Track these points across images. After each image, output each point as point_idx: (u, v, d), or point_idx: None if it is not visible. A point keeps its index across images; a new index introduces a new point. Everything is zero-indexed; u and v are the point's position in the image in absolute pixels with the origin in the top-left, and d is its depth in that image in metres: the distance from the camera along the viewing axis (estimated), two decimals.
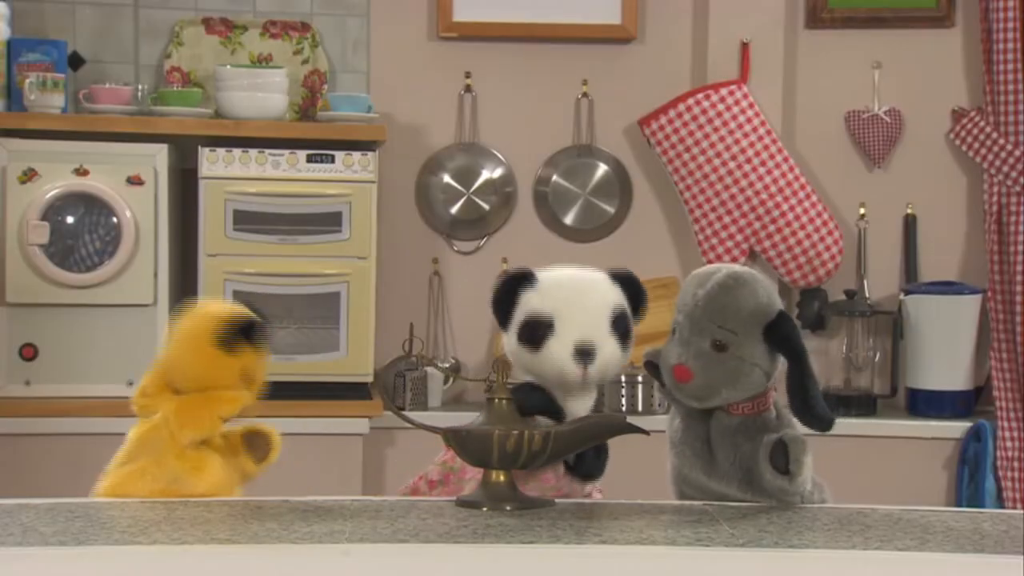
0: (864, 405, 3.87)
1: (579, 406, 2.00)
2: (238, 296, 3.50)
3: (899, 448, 3.75)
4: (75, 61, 3.76)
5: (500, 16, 3.93)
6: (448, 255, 4.00)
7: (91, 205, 3.50)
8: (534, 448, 1.81)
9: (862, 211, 4.01)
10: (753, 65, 3.91)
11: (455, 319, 3.98)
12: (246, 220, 3.55)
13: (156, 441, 1.93)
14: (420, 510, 1.78)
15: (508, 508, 1.78)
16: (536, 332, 1.98)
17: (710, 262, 3.87)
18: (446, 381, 3.77)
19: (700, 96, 3.87)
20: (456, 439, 1.84)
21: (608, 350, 1.96)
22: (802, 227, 3.87)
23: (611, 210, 4.04)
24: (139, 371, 3.48)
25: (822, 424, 1.87)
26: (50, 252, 3.47)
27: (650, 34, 4.01)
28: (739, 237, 3.88)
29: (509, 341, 2.02)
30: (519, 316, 2.02)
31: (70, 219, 3.50)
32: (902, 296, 3.89)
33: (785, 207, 3.87)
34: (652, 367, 1.96)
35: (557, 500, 1.87)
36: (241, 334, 1.93)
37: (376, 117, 3.76)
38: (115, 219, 3.50)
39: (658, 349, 1.95)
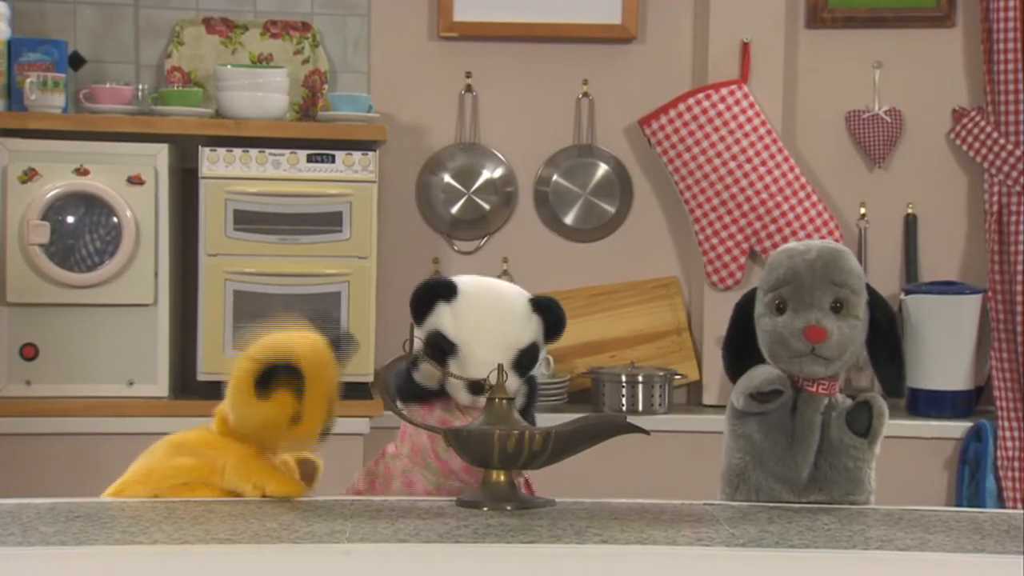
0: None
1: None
2: (239, 297, 3.51)
3: (900, 448, 3.74)
4: (76, 61, 3.76)
5: (501, 16, 3.93)
6: (449, 255, 4.00)
7: (92, 205, 3.50)
8: (535, 448, 1.81)
9: (862, 211, 4.01)
10: (754, 65, 3.91)
11: None
12: (247, 220, 3.55)
13: (209, 457, 1.89)
14: (420, 510, 1.78)
15: (508, 508, 1.78)
16: (440, 351, 2.03)
17: (710, 262, 3.88)
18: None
19: (700, 96, 3.87)
20: (456, 439, 1.84)
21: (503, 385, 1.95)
22: (802, 227, 3.87)
23: (611, 210, 4.04)
24: (139, 371, 3.52)
25: (899, 385, 1.98)
26: (51, 252, 3.47)
27: (651, 34, 4.01)
28: (739, 237, 3.88)
29: (418, 340, 2.04)
30: (429, 325, 2.05)
31: (71, 219, 3.50)
32: (902, 296, 3.89)
33: (785, 207, 3.87)
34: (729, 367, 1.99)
35: (558, 500, 1.87)
36: (278, 378, 1.85)
37: (376, 117, 3.76)
38: (115, 219, 3.50)
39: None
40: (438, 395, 2.09)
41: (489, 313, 2.06)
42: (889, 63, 4.00)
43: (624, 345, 3.95)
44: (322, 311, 3.49)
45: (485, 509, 1.78)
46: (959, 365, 3.82)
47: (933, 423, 3.78)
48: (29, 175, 3.48)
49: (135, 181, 3.52)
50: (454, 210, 3.99)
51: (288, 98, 3.72)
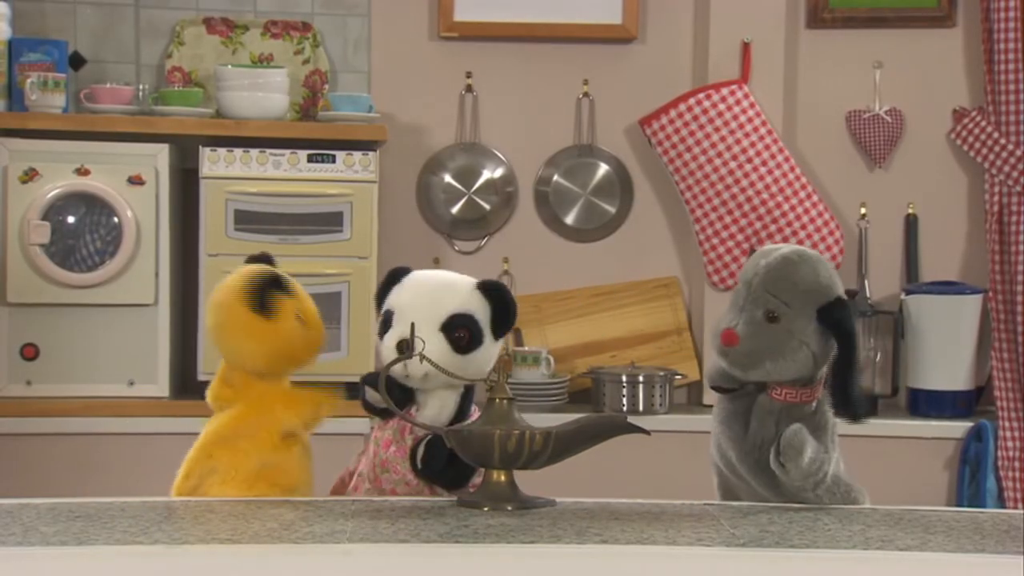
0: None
1: (431, 408, 2.03)
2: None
3: (900, 448, 3.75)
4: (76, 61, 3.76)
5: (501, 16, 3.93)
6: (449, 255, 4.00)
7: (92, 205, 3.50)
8: (535, 448, 1.81)
9: (863, 211, 4.01)
10: (754, 65, 3.91)
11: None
12: (247, 220, 3.55)
13: (249, 424, 1.94)
14: (421, 510, 1.78)
15: (509, 508, 1.78)
16: (383, 325, 2.05)
17: (711, 262, 3.88)
18: None
19: (701, 96, 3.87)
20: (457, 439, 1.84)
21: (429, 348, 1.96)
22: (803, 227, 3.87)
23: (612, 210, 4.04)
24: (140, 371, 3.52)
25: (857, 415, 1.89)
26: (51, 252, 3.47)
27: (651, 34, 4.01)
28: (740, 237, 3.88)
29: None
30: (383, 308, 2.08)
31: (71, 219, 3.50)
32: (903, 296, 3.89)
33: (786, 207, 3.87)
34: None
35: (558, 500, 1.87)
36: (271, 289, 1.96)
37: (377, 117, 3.76)
38: (116, 219, 3.50)
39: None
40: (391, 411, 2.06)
41: (428, 283, 2.08)
42: (890, 63, 4.00)
43: (624, 345, 3.95)
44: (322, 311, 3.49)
45: (486, 509, 1.78)
46: (959, 365, 3.82)
47: (934, 423, 3.78)
48: (30, 175, 3.48)
49: (135, 181, 3.52)
50: (454, 210, 3.99)
51: (288, 98, 3.72)
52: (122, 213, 3.50)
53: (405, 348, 1.97)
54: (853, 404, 1.88)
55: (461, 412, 2.06)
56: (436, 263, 3.97)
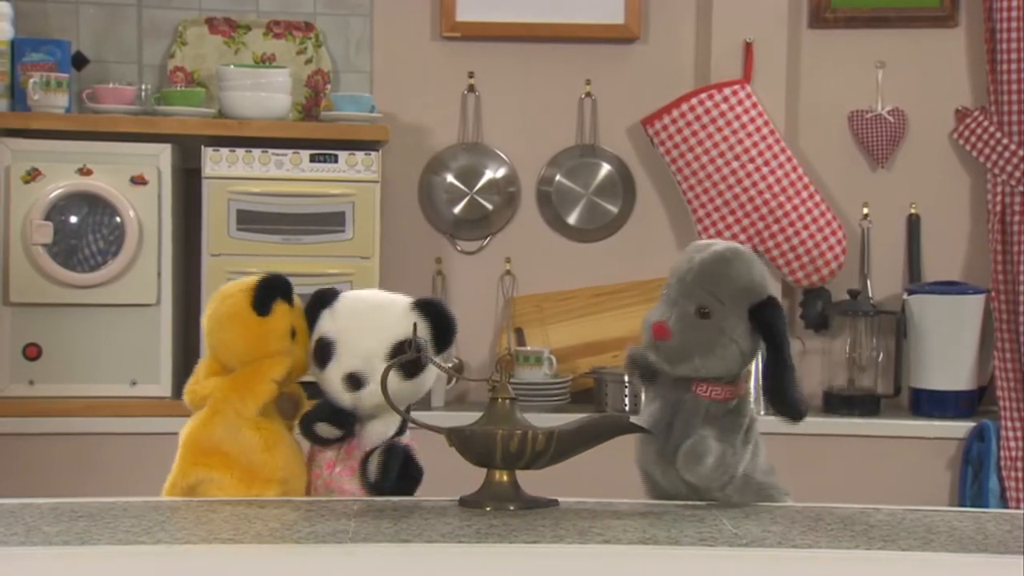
0: (867, 405, 3.86)
1: (373, 429, 2.00)
2: None
3: (902, 448, 3.75)
4: (79, 61, 3.76)
5: (503, 16, 3.93)
6: (451, 255, 4.00)
7: (95, 205, 3.51)
8: (537, 448, 1.81)
9: (865, 211, 4.01)
10: (756, 65, 3.91)
11: (458, 319, 3.96)
12: (249, 220, 3.55)
13: (225, 421, 1.95)
14: (424, 510, 1.78)
15: (511, 508, 1.78)
16: (321, 353, 2.01)
17: None
18: (449, 381, 3.77)
19: (703, 96, 3.87)
20: (459, 439, 1.84)
21: (379, 378, 1.92)
22: (805, 227, 3.87)
23: (614, 210, 4.04)
24: (143, 371, 3.53)
25: (793, 415, 1.87)
26: (54, 252, 3.48)
27: (653, 34, 4.01)
28: (742, 237, 3.88)
29: (308, 360, 2.03)
30: (315, 336, 2.03)
31: (74, 219, 3.50)
32: (905, 296, 3.89)
33: (788, 207, 3.87)
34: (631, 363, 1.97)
35: (560, 500, 1.87)
36: (275, 294, 1.99)
37: (379, 117, 3.76)
38: (118, 219, 3.50)
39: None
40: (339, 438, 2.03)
41: (364, 306, 2.04)
42: (892, 63, 4.00)
43: (627, 345, 3.93)
44: None
45: (488, 509, 1.78)
46: (962, 365, 3.82)
47: (936, 423, 3.78)
48: (32, 175, 3.48)
49: (138, 181, 3.52)
50: (457, 210, 3.99)
51: (291, 98, 3.72)
52: (124, 213, 3.50)
53: (355, 383, 1.96)
54: (791, 405, 1.87)
55: (403, 427, 2.04)
56: (438, 263, 3.97)
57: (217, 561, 1.56)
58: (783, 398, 1.86)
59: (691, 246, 1.93)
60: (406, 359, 1.94)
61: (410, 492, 1.98)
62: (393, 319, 2.00)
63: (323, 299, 2.05)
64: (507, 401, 1.85)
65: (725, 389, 1.88)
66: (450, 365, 3.88)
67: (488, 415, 1.85)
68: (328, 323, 2.02)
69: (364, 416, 2.02)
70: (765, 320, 1.86)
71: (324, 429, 1.98)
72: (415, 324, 1.96)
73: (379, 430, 2.01)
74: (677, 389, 1.90)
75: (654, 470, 1.90)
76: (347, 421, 2.00)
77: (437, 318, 2.02)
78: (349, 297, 2.06)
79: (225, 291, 2.03)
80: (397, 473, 1.95)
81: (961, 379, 3.82)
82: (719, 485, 1.86)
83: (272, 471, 1.94)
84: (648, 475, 1.93)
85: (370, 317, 2.01)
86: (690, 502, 1.87)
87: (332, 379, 1.98)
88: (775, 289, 1.94)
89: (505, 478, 1.82)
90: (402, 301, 2.04)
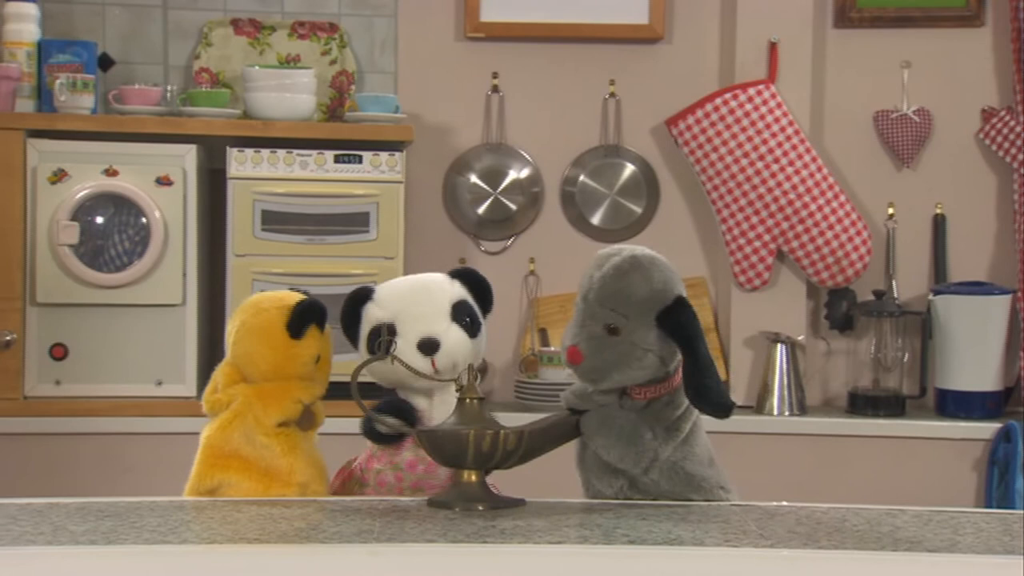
0: (893, 406, 3.85)
1: (442, 410, 2.02)
2: None
3: (928, 449, 3.74)
4: (105, 62, 3.78)
5: (527, 16, 3.93)
6: (475, 255, 4.00)
7: (120, 205, 3.52)
8: (508, 447, 1.80)
9: (891, 211, 3.99)
10: (781, 65, 3.90)
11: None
12: (274, 220, 3.56)
13: (243, 427, 1.97)
14: (449, 510, 1.78)
15: (480, 508, 1.77)
16: (376, 339, 2.04)
17: (737, 262, 3.87)
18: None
19: (728, 96, 3.87)
20: (429, 440, 1.83)
21: (452, 339, 2.02)
22: (830, 227, 3.86)
23: (638, 210, 4.03)
24: (167, 371, 3.54)
25: (718, 411, 1.85)
26: (80, 252, 3.49)
27: (678, 34, 4.00)
28: (767, 237, 3.87)
29: (362, 357, 2.05)
30: (364, 329, 2.06)
31: (100, 219, 3.52)
32: (931, 296, 3.87)
33: (813, 207, 3.86)
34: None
35: (578, 501, 1.87)
36: (311, 319, 2.00)
37: (403, 117, 3.77)
38: (144, 219, 3.52)
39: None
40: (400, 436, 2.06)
41: (408, 285, 2.10)
42: (918, 63, 3.98)
43: None
44: None
45: (457, 509, 1.77)
46: (988, 366, 3.80)
47: (962, 424, 3.76)
48: (59, 176, 3.50)
49: (163, 182, 3.54)
50: (480, 210, 3.99)
51: (315, 99, 3.73)
52: (150, 213, 3.51)
53: (430, 347, 2.00)
54: (712, 401, 1.84)
55: None
56: (462, 263, 3.98)
57: (242, 561, 1.56)
58: (705, 396, 1.84)
59: (594, 258, 1.91)
60: (376, 358, 1.96)
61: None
62: (439, 287, 2.08)
63: (360, 297, 2.09)
64: (475, 401, 1.84)
65: (658, 387, 1.88)
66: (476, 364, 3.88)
67: (458, 416, 1.84)
68: (377, 312, 2.05)
69: (423, 402, 2.04)
70: (673, 323, 1.85)
71: (391, 423, 1.98)
72: (385, 326, 1.97)
73: (444, 411, 2.00)
74: (614, 391, 1.89)
75: (589, 472, 1.90)
76: (410, 415, 2.02)
77: (475, 284, 2.11)
78: (388, 284, 2.11)
79: (259, 304, 2.03)
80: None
81: (987, 380, 3.81)
82: (638, 467, 1.85)
83: (290, 475, 1.95)
84: (585, 477, 1.93)
85: (418, 290, 2.08)
86: (641, 501, 1.87)
87: (404, 355, 2.00)
88: (683, 290, 1.90)
89: (474, 478, 1.82)
90: (440, 276, 2.11)
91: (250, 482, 1.94)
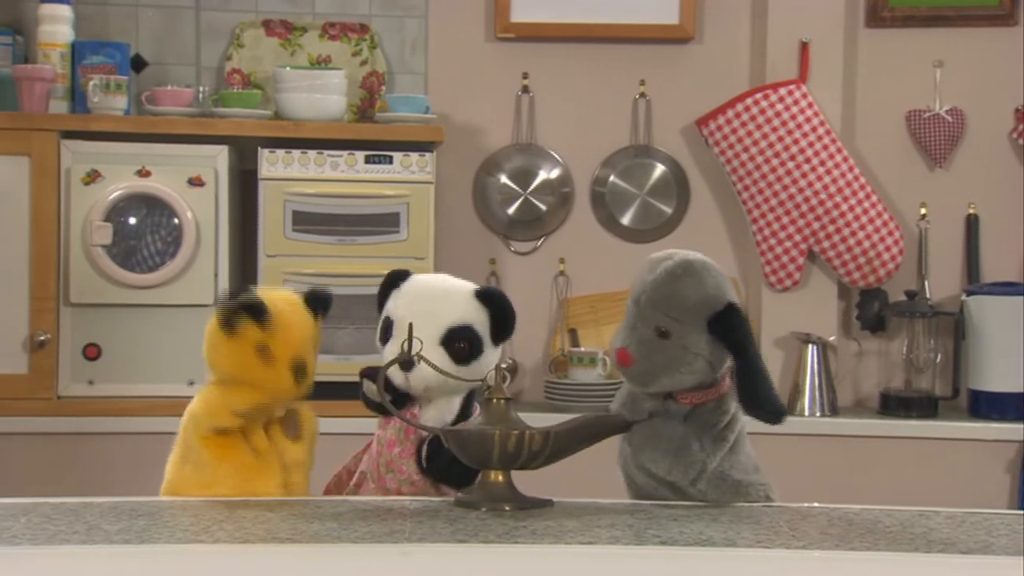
0: (925, 407, 3.83)
1: (432, 411, 2.02)
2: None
3: (961, 450, 3.72)
4: (138, 63, 3.80)
5: (557, 17, 3.93)
6: (505, 256, 4.01)
7: (153, 206, 3.54)
8: (534, 448, 1.79)
9: (923, 211, 3.97)
10: (813, 64, 3.88)
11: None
12: (305, 221, 3.58)
13: (187, 431, 1.99)
14: (481, 511, 1.78)
15: (507, 508, 1.77)
16: (384, 332, 2.04)
17: (768, 263, 3.86)
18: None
19: (759, 96, 3.86)
20: (456, 440, 1.83)
21: (433, 361, 1.94)
22: (862, 227, 3.84)
23: (668, 210, 4.02)
24: (199, 371, 3.53)
25: (771, 417, 1.84)
26: (113, 253, 3.51)
27: (708, 34, 3.99)
28: (798, 238, 3.86)
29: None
30: (383, 313, 2.07)
31: (132, 220, 3.54)
32: (964, 297, 3.85)
33: (845, 207, 3.84)
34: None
35: (605, 501, 1.86)
36: (241, 312, 1.94)
37: (434, 118, 3.77)
38: (176, 220, 3.53)
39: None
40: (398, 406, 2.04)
41: (425, 291, 2.06)
42: (950, 62, 3.96)
43: None
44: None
45: (483, 509, 1.77)
46: (1021, 366, 3.77)
47: (994, 425, 3.74)
48: (92, 176, 3.53)
49: (195, 182, 3.55)
50: (511, 211, 3.99)
51: (346, 99, 3.74)
52: (182, 214, 3.53)
53: (403, 365, 1.97)
54: (765, 408, 1.84)
55: (464, 415, 2.05)
56: (492, 264, 3.98)
57: (275, 560, 1.57)
58: (757, 402, 1.84)
59: (646, 262, 1.91)
60: (401, 358, 1.91)
61: (470, 479, 1.98)
62: (450, 306, 2.03)
63: (393, 280, 2.08)
64: (502, 401, 1.84)
65: (705, 393, 1.88)
66: (504, 365, 3.89)
67: (484, 416, 1.84)
68: (392, 304, 2.05)
69: (420, 399, 2.03)
70: (725, 329, 1.84)
71: (370, 389, 1.98)
72: (410, 325, 1.94)
73: (433, 415, 2.02)
74: (659, 396, 1.89)
75: (634, 471, 1.90)
76: (404, 397, 2.02)
77: (497, 308, 2.04)
78: (415, 280, 2.08)
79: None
80: (450, 459, 1.94)
81: (1020, 380, 3.78)
82: (686, 479, 1.85)
83: (211, 486, 1.92)
84: (629, 476, 1.93)
85: (428, 302, 2.03)
86: (673, 502, 1.87)
87: (386, 358, 2.00)
88: (735, 297, 1.90)
89: (501, 478, 1.81)
90: (465, 289, 2.06)
91: (192, 484, 1.93)
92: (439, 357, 1.98)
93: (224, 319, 1.94)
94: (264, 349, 1.93)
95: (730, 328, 1.85)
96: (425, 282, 2.09)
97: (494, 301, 2.04)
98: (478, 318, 2.01)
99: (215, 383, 2.00)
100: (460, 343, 2.00)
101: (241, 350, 1.93)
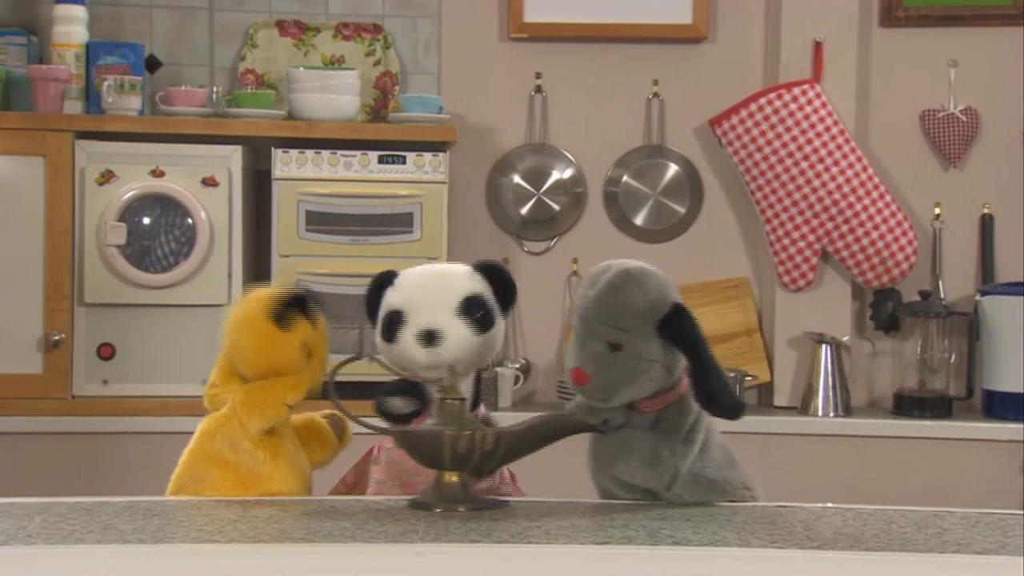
0: (939, 407, 3.82)
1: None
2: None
3: (975, 450, 3.71)
4: (152, 64, 3.81)
5: (570, 17, 3.93)
6: (519, 256, 4.01)
7: (167, 206, 3.55)
8: (486, 449, 1.78)
9: (937, 211, 3.96)
10: (826, 64, 3.88)
11: (525, 320, 3.98)
12: (318, 221, 3.58)
13: (228, 432, 1.96)
14: (493, 511, 1.79)
15: (461, 509, 1.77)
16: (391, 325, 2.03)
17: (781, 263, 3.85)
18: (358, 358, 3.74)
19: (772, 96, 3.85)
20: (407, 440, 1.83)
21: (455, 333, 1.99)
22: (875, 227, 3.84)
23: (682, 210, 4.02)
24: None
25: (729, 413, 1.84)
26: (127, 253, 3.52)
27: (722, 33, 3.99)
28: (811, 238, 3.85)
29: (378, 340, 2.04)
30: (381, 314, 2.06)
31: (146, 220, 3.55)
32: (978, 297, 3.84)
33: (859, 207, 3.84)
34: None
35: (624, 502, 1.86)
36: (294, 307, 1.96)
37: (447, 118, 3.77)
38: (190, 220, 3.54)
39: None
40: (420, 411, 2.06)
41: (425, 275, 2.08)
42: (965, 62, 3.95)
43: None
44: None
45: (437, 510, 1.76)
46: None
47: (1009, 425, 3.73)
48: (106, 177, 3.53)
49: (209, 183, 3.56)
50: (524, 211, 3.99)
51: (359, 100, 3.75)
52: (196, 214, 3.54)
53: (429, 339, 1.98)
54: (721, 404, 1.84)
55: (475, 402, 2.07)
56: (505, 263, 3.98)
57: (288, 560, 1.57)
58: (714, 399, 1.84)
59: (587, 277, 1.90)
60: (349, 360, 1.91)
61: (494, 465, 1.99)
62: (458, 279, 2.05)
63: (383, 280, 2.09)
64: (456, 402, 1.83)
65: (665, 397, 1.87)
66: (517, 366, 3.89)
67: (438, 416, 1.83)
68: (393, 296, 2.05)
69: (438, 388, 2.03)
70: (674, 331, 1.84)
71: (397, 404, 1.98)
72: (361, 328, 1.96)
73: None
74: (623, 408, 1.88)
75: (608, 482, 1.89)
76: (420, 395, 2.03)
77: (498, 280, 2.07)
78: (409, 271, 2.10)
79: (250, 296, 2.02)
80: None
81: None
82: (662, 484, 1.85)
83: (269, 482, 1.93)
84: (601, 486, 1.92)
85: (435, 280, 2.06)
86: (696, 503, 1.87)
87: (406, 342, 2.00)
88: (679, 297, 1.89)
89: (455, 479, 1.81)
90: (463, 267, 2.08)
91: (229, 483, 1.93)
92: (460, 328, 1.99)
93: (276, 313, 1.95)
94: (309, 345, 1.97)
95: (680, 329, 1.84)
96: (422, 269, 2.11)
97: (494, 272, 2.07)
98: (484, 289, 2.04)
99: (244, 384, 1.98)
100: (476, 312, 2.01)
101: (290, 344, 1.94)
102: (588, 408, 1.88)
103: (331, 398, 1.89)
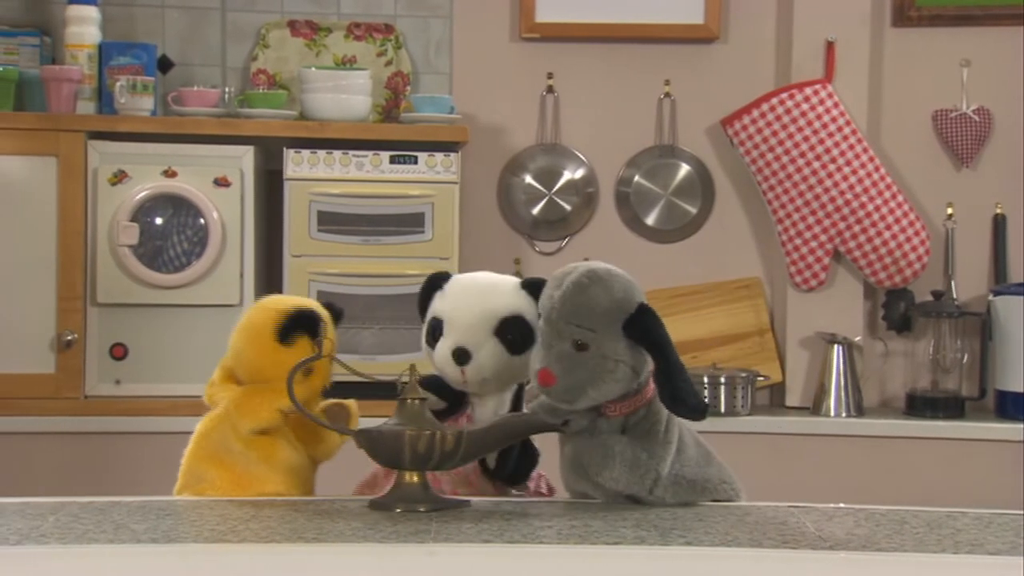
0: (952, 407, 3.82)
1: (487, 408, 2.04)
2: (321, 296, 3.53)
3: (987, 451, 3.70)
4: (164, 64, 3.81)
5: (582, 17, 3.93)
6: (530, 256, 4.01)
7: (179, 206, 3.55)
8: (446, 448, 1.78)
9: (950, 211, 3.95)
10: (838, 64, 3.87)
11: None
12: (330, 221, 3.58)
13: (222, 432, 1.97)
14: (504, 512, 1.79)
15: (421, 509, 1.76)
16: (433, 332, 2.04)
17: (793, 263, 3.85)
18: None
19: (784, 96, 3.85)
20: (367, 440, 1.82)
21: (487, 352, 1.99)
22: (888, 227, 3.83)
23: (693, 211, 4.02)
24: None
25: (693, 413, 1.84)
26: (139, 253, 3.53)
27: (733, 33, 3.98)
28: (823, 238, 3.85)
29: (422, 345, 2.06)
30: (428, 317, 2.08)
31: (159, 220, 3.55)
32: (991, 297, 3.83)
33: (871, 207, 3.83)
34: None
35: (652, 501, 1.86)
36: (299, 327, 1.96)
37: (458, 118, 3.78)
38: (202, 220, 3.55)
39: None
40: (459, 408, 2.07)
41: (472, 286, 2.08)
42: (977, 61, 3.94)
43: (706, 346, 3.93)
44: (403, 312, 3.51)
45: (398, 511, 1.76)
46: None
47: (1022, 426, 3.72)
48: (119, 177, 3.54)
49: (221, 183, 3.57)
50: (535, 211, 3.99)
51: (371, 100, 3.75)
52: (208, 214, 3.54)
53: (461, 357, 1.99)
54: (686, 405, 1.83)
55: (516, 410, 2.06)
56: (517, 264, 3.98)
57: (301, 559, 1.58)
58: (679, 399, 1.83)
59: (551, 279, 1.90)
60: (312, 359, 1.93)
61: (526, 475, 1.99)
62: (500, 298, 2.04)
63: (435, 282, 2.09)
64: (416, 401, 1.83)
65: (632, 401, 1.87)
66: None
67: (398, 415, 1.83)
68: (439, 303, 2.06)
69: (475, 394, 2.04)
70: (640, 330, 1.83)
71: (429, 402, 1.99)
72: (323, 327, 1.96)
73: (491, 408, 2.03)
74: (589, 412, 1.88)
75: (590, 488, 1.89)
76: (454, 395, 2.03)
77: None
78: (459, 278, 2.10)
79: (263, 304, 2.02)
80: (516, 462, 1.95)
81: None
82: (644, 488, 1.84)
83: (263, 484, 1.93)
84: (576, 491, 1.91)
85: (478, 295, 2.05)
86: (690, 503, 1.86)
87: (443, 355, 2.01)
88: (644, 298, 1.89)
89: (416, 479, 1.80)
90: (511, 281, 2.08)
91: (227, 483, 1.93)
92: (493, 347, 2.00)
93: (281, 331, 1.95)
94: (311, 368, 1.96)
95: (645, 329, 1.84)
96: (470, 278, 2.11)
97: (540, 290, 2.05)
98: (527, 308, 2.02)
99: (241, 386, 1.99)
100: (512, 333, 2.01)
101: (290, 361, 1.92)
102: (550, 408, 1.88)
103: (291, 399, 1.87)
